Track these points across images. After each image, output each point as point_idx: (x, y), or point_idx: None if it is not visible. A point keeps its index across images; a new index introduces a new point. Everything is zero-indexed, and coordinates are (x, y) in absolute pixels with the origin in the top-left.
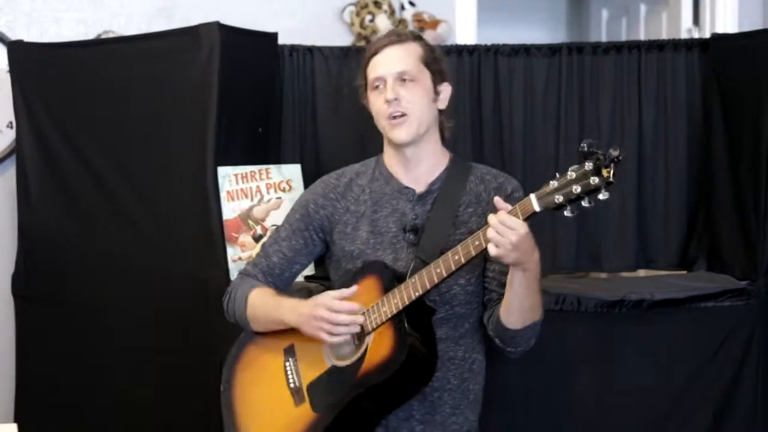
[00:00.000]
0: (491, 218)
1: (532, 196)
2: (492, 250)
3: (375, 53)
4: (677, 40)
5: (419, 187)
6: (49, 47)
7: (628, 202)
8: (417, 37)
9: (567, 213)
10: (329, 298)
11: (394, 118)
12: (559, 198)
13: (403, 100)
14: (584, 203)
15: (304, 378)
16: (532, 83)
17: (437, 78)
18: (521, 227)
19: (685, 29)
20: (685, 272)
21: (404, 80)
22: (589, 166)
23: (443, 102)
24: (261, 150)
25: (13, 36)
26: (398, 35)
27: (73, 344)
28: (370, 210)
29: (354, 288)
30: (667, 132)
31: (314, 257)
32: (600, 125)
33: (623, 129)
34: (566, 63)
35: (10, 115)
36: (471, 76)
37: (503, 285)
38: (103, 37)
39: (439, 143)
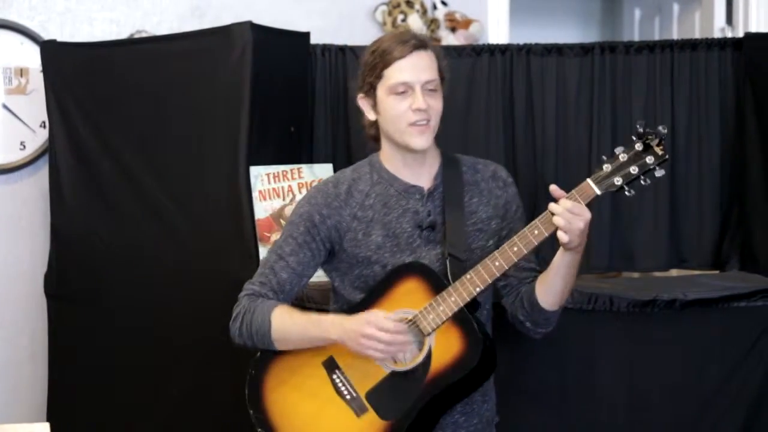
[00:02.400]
0: (556, 207)
1: (590, 181)
2: (563, 237)
3: (400, 56)
4: (710, 39)
5: (425, 184)
6: (82, 47)
7: (661, 202)
8: (431, 42)
9: (627, 193)
10: (380, 317)
11: (418, 125)
12: (618, 180)
13: (430, 108)
14: (642, 182)
15: (360, 388)
16: (564, 83)
17: (443, 84)
18: (587, 213)
19: (718, 28)
20: (717, 272)
21: (430, 89)
22: (639, 146)
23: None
24: (293, 149)
25: (47, 36)
26: (420, 40)
27: (105, 343)
28: (379, 213)
29: (403, 326)
30: (700, 131)
31: (317, 268)
32: (632, 125)
33: (656, 128)
34: (599, 62)
35: (43, 115)
36: (503, 75)
37: (520, 269)
38: (136, 36)
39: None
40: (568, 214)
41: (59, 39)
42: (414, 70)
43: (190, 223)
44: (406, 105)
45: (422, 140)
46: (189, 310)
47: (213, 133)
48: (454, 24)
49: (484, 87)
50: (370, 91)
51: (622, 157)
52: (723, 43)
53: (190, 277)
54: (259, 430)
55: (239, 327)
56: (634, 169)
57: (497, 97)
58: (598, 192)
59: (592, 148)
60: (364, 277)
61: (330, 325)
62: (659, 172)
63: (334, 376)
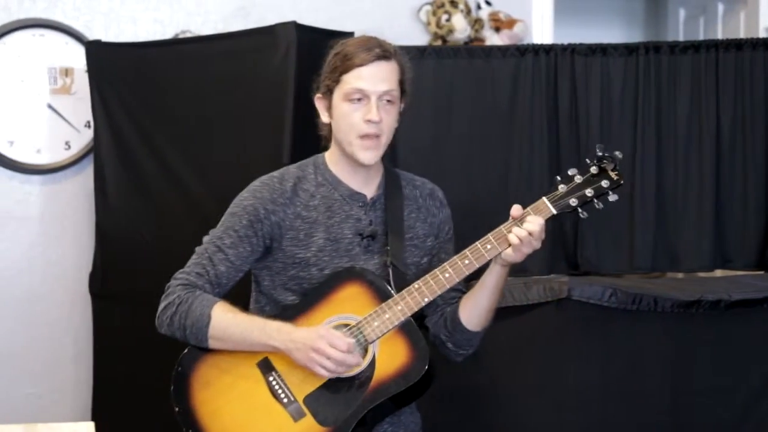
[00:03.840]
0: (535, 227)
1: (546, 200)
2: (512, 255)
3: (360, 64)
4: (755, 39)
5: (368, 193)
6: (127, 47)
7: (706, 202)
8: (396, 53)
9: (581, 215)
10: (334, 334)
11: (369, 138)
12: (573, 201)
13: (383, 122)
14: (596, 205)
15: (297, 392)
16: (609, 83)
17: (403, 98)
18: (543, 234)
19: (764, 28)
20: (762, 272)
21: (386, 101)
22: (594, 169)
23: (399, 119)
24: None
25: (91, 36)
26: (384, 50)
27: (149, 343)
28: (323, 216)
29: (352, 343)
30: (745, 132)
31: (253, 263)
32: (677, 125)
33: (701, 129)
34: (643, 62)
35: (87, 115)
36: (547, 75)
37: (449, 290)
38: (180, 36)
39: None
40: (528, 236)
41: (104, 39)
42: (372, 79)
43: None
44: (359, 115)
45: (369, 156)
46: None
47: (256, 133)
48: (499, 24)
49: (529, 87)
50: (327, 93)
51: (578, 179)
52: None
53: None
54: (185, 428)
55: (171, 316)
56: (589, 192)
57: (541, 98)
58: (555, 211)
59: (636, 148)
60: (299, 279)
61: (275, 332)
62: (612, 197)
63: (270, 378)
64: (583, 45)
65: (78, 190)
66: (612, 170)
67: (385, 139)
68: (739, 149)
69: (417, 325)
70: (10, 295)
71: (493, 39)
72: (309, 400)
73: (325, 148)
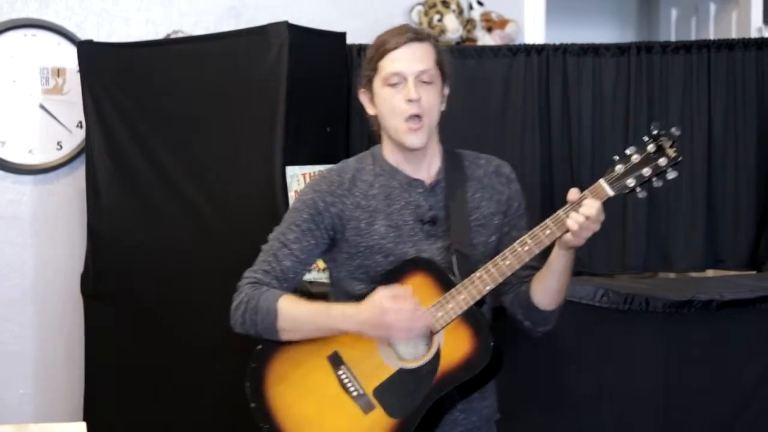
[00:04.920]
0: (592, 211)
1: (603, 182)
2: (572, 240)
3: (394, 47)
4: (747, 39)
5: (427, 178)
6: (119, 47)
7: (698, 202)
8: (430, 37)
9: (639, 195)
10: (390, 298)
11: (413, 120)
12: (631, 182)
13: (423, 101)
14: (654, 183)
15: (366, 385)
16: (600, 83)
17: (445, 80)
18: (603, 215)
19: (755, 28)
20: (754, 272)
21: (423, 81)
22: (652, 147)
23: (444, 104)
24: (329, 150)
25: (83, 36)
26: (416, 32)
27: (141, 343)
28: (383, 204)
29: (405, 286)
30: (737, 131)
31: (319, 256)
32: (669, 125)
33: (692, 129)
34: (635, 62)
35: (79, 115)
36: (539, 75)
37: (523, 267)
38: (172, 37)
39: (437, 138)
40: (585, 221)
41: (96, 39)
42: (407, 60)
43: (226, 223)
44: (399, 97)
45: (416, 139)
46: (225, 310)
47: (249, 133)
48: (491, 24)
49: (521, 87)
50: (368, 85)
51: (635, 158)
52: (760, 43)
53: (226, 278)
54: (261, 424)
55: (242, 315)
56: (646, 171)
57: (533, 97)
58: (611, 193)
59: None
60: (365, 268)
61: (341, 316)
62: (671, 174)
63: (340, 372)
64: (575, 45)
65: (70, 191)
66: (669, 147)
67: (429, 120)
68: (731, 149)
69: (480, 312)
70: (2, 296)
71: (485, 39)
72: (378, 392)
73: (376, 141)
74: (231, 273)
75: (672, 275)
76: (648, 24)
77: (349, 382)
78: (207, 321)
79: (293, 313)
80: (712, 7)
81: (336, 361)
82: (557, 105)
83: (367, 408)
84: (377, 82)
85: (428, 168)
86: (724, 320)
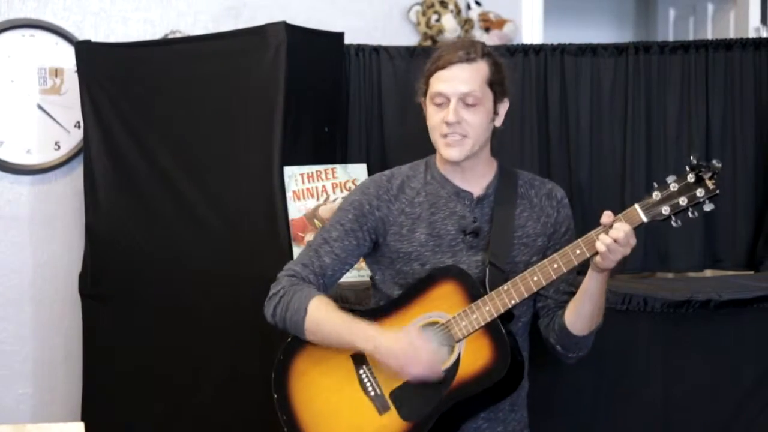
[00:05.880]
0: (620, 235)
1: (638, 207)
2: (602, 261)
3: (443, 67)
4: (745, 39)
5: (476, 191)
6: (117, 47)
7: None
8: (485, 54)
9: (674, 224)
10: (421, 337)
11: (450, 136)
12: (666, 209)
13: (464, 123)
14: (690, 214)
15: (385, 386)
16: (598, 83)
17: (499, 97)
18: (634, 239)
19: (753, 28)
20: (752, 272)
21: (467, 104)
22: (691, 177)
23: (500, 119)
24: (327, 149)
25: (81, 36)
26: (468, 53)
27: (139, 343)
28: (426, 212)
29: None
30: (735, 131)
31: (360, 258)
32: (667, 125)
33: (690, 128)
34: (633, 62)
35: (77, 115)
36: (537, 75)
37: (560, 292)
38: (171, 37)
39: (488, 153)
40: (624, 240)
41: (94, 39)
42: (451, 81)
43: (224, 223)
44: (440, 117)
45: (453, 152)
46: (223, 310)
47: (247, 133)
48: (488, 24)
49: (518, 87)
50: (423, 96)
51: (673, 186)
52: (758, 43)
53: (224, 278)
54: (280, 413)
55: (275, 307)
56: (683, 200)
57: (531, 97)
58: (645, 219)
59: (626, 148)
60: (404, 274)
61: (362, 336)
62: (708, 206)
63: (361, 371)
64: (573, 45)
65: (68, 191)
66: (709, 179)
67: (473, 139)
68: (729, 149)
69: (504, 327)
70: (0, 296)
71: (482, 39)
72: (395, 394)
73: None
74: (229, 272)
75: (670, 275)
76: (646, 24)
77: (369, 382)
78: (205, 321)
79: (320, 318)
80: (710, 7)
81: (359, 360)
82: (555, 105)
83: (383, 409)
84: (428, 97)
85: (479, 181)
86: (722, 320)
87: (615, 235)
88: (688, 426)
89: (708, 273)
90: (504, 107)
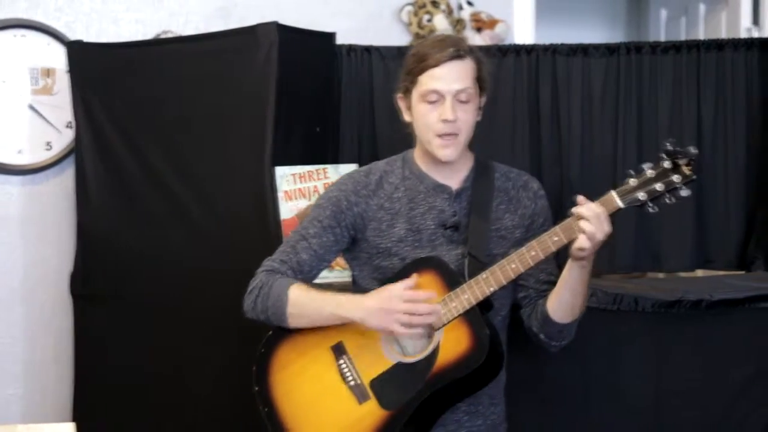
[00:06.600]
0: (585, 211)
1: (614, 194)
2: (584, 243)
3: (435, 64)
4: (736, 39)
5: (454, 185)
6: (108, 47)
7: (687, 202)
8: (472, 51)
9: (651, 210)
10: (400, 289)
11: (446, 137)
12: (642, 195)
13: (459, 120)
14: (667, 200)
15: (364, 375)
16: (590, 83)
17: (482, 92)
18: (608, 225)
19: (745, 28)
20: (743, 272)
21: (461, 101)
22: (667, 164)
23: (480, 113)
24: (318, 150)
25: (73, 36)
26: (458, 50)
27: (130, 343)
28: (405, 207)
29: (414, 277)
30: (726, 132)
31: (339, 254)
32: (658, 125)
33: (682, 129)
34: (625, 63)
35: (69, 115)
36: (529, 76)
37: (540, 281)
38: (162, 37)
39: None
40: (598, 221)
41: (85, 39)
42: (446, 79)
43: (216, 223)
44: (435, 114)
45: (448, 153)
46: (215, 310)
47: (238, 133)
48: (480, 24)
49: (510, 87)
50: (407, 93)
51: (650, 173)
52: (749, 44)
53: (215, 278)
54: (261, 406)
55: (254, 300)
56: (659, 186)
57: (522, 98)
58: (622, 205)
59: (618, 148)
60: (383, 269)
61: (346, 302)
62: (685, 192)
63: (341, 362)
64: (565, 45)
65: (59, 191)
66: (686, 165)
67: (464, 136)
68: (720, 149)
69: (482, 315)
70: None
71: (474, 39)
72: (374, 383)
73: (411, 145)
74: (220, 272)
75: (661, 275)
76: (637, 24)
77: (348, 371)
78: (197, 321)
79: (302, 299)
80: (702, 8)
81: (339, 350)
82: (546, 105)
83: (362, 398)
84: (415, 94)
85: (457, 175)
86: (713, 320)
87: (581, 210)
88: (679, 426)
89: (699, 273)
90: (483, 101)
